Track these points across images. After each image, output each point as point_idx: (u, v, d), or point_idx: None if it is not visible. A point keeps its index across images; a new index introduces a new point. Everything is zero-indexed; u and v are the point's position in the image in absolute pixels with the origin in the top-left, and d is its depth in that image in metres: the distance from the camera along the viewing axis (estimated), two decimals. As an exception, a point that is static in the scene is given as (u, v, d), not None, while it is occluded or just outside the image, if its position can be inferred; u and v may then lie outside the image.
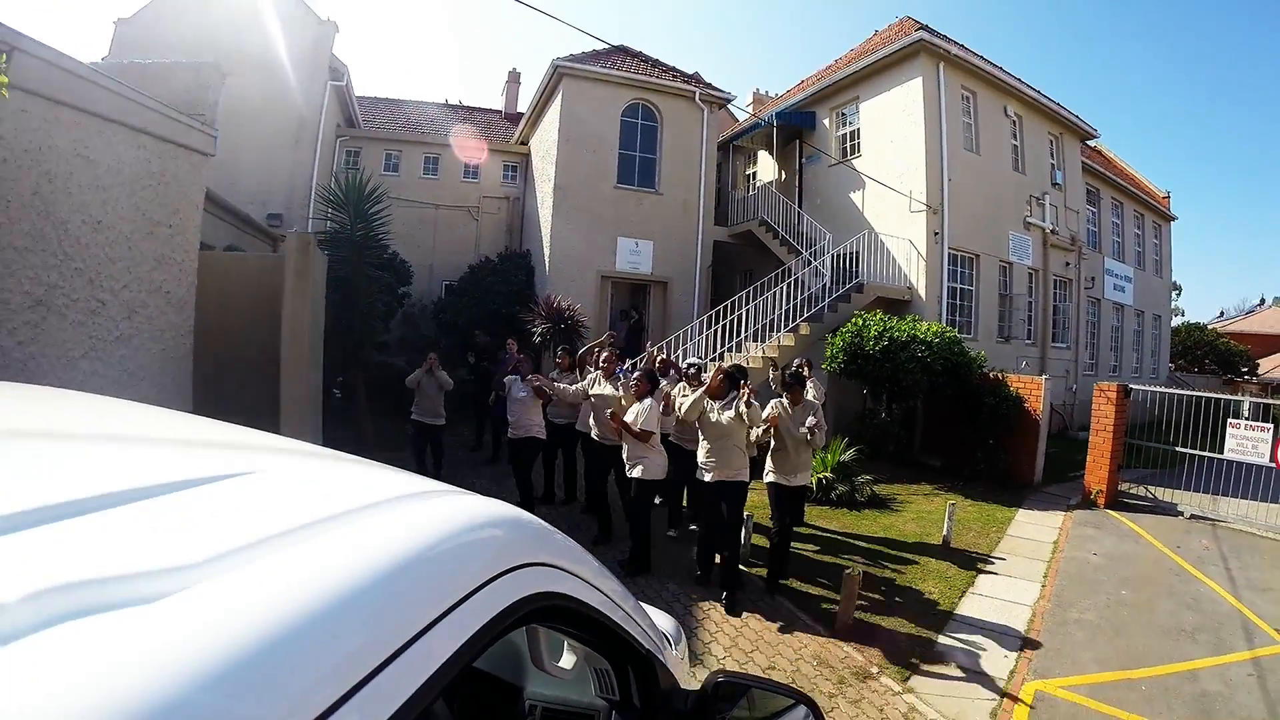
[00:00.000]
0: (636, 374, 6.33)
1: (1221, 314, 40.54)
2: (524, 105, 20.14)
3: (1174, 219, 23.09)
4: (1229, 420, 9.28)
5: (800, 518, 6.31)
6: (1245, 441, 8.99)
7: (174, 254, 4.65)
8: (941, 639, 5.22)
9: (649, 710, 1.28)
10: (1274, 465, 8.65)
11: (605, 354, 6.93)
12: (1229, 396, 10.28)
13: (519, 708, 1.57)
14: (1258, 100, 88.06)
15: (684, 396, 6.12)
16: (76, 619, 0.49)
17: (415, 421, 8.55)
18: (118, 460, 0.94)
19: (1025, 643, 5.25)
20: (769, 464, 5.88)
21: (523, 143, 18.72)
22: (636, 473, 5.90)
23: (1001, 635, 5.35)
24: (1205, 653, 5.27)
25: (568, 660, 1.56)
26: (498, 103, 23.58)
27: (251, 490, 0.87)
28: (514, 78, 23.22)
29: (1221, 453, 9.16)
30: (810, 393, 6.55)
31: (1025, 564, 7.07)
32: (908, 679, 4.61)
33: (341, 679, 0.54)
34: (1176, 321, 35.68)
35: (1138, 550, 7.77)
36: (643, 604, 1.54)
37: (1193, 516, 9.13)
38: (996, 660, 4.94)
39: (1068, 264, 15.74)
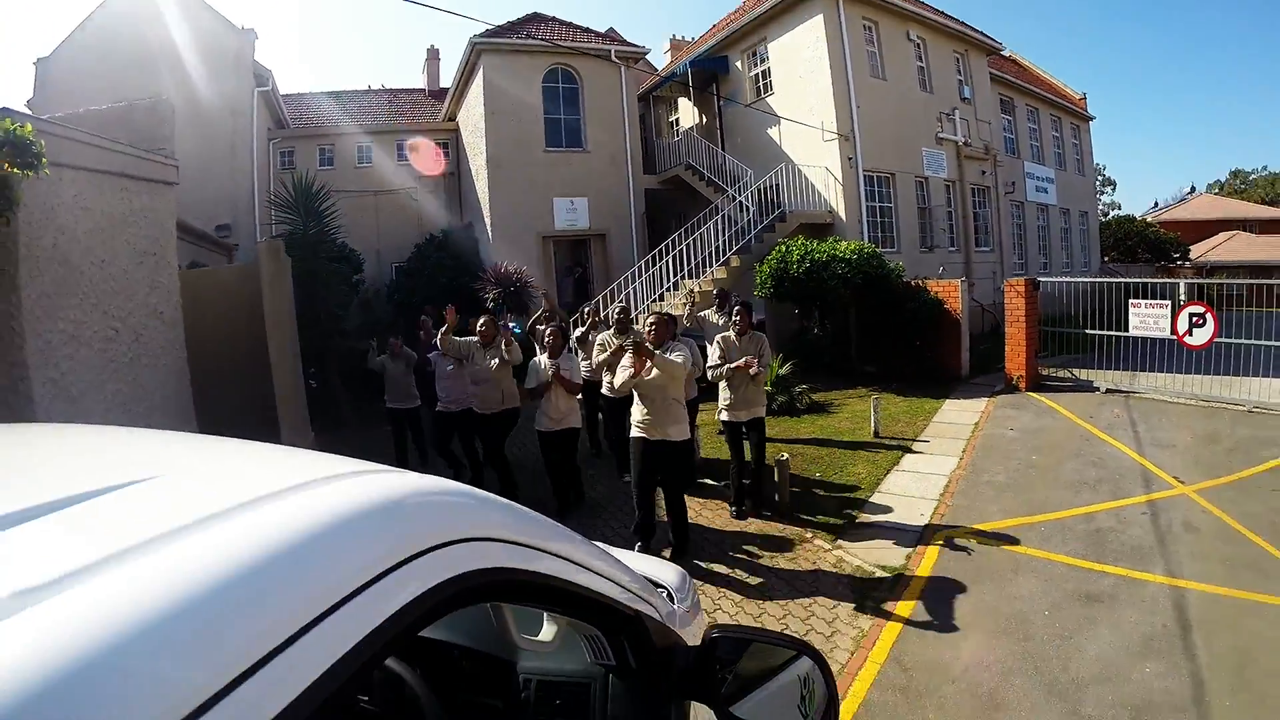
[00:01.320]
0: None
1: (1156, 205, 42.55)
2: (446, 81, 20.86)
3: (1092, 119, 24.54)
4: (1130, 300, 10.45)
5: (763, 452, 6.21)
6: (1147, 319, 10.10)
7: (161, 278, 5.45)
8: (866, 508, 6.30)
9: (647, 672, 1.26)
10: (1173, 337, 9.76)
11: (549, 330, 6.40)
12: (1133, 280, 11.51)
13: (513, 683, 1.54)
14: None
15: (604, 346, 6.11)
16: None
17: (390, 410, 8.41)
18: (17, 482, 0.95)
19: (940, 503, 6.30)
20: (721, 400, 6.05)
21: (450, 119, 19.43)
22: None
23: (920, 500, 6.40)
24: (1104, 499, 6.21)
25: (548, 632, 1.57)
26: (420, 81, 24.15)
27: (148, 495, 0.86)
28: (433, 55, 23.81)
29: (1128, 331, 10.27)
30: (715, 318, 7.53)
31: (947, 443, 8.16)
32: (836, 539, 5.64)
33: (197, 685, 0.52)
34: (1118, 214, 37.65)
35: (1052, 423, 8.90)
36: (639, 557, 1.55)
37: (1108, 391, 10.26)
38: (914, 519, 5.97)
39: (984, 172, 17.04)
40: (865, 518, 6.11)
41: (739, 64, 16.11)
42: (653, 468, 5.20)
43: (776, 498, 6.26)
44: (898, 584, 4.85)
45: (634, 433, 5.24)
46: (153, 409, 5.28)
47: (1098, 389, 10.38)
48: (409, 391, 8.32)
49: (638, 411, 5.23)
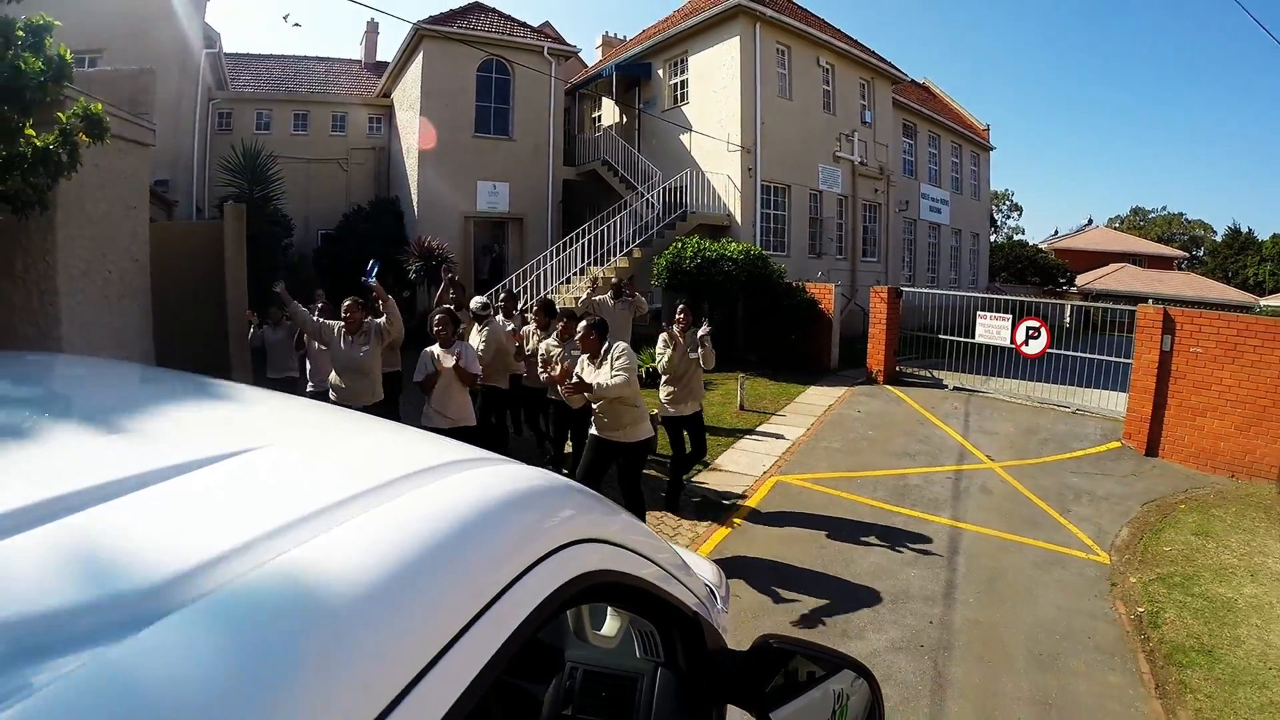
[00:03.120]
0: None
1: (1056, 232, 46.67)
2: (383, 54, 22.09)
3: (992, 149, 27.37)
4: (978, 312, 12.59)
5: (702, 445, 6.49)
6: (991, 328, 12.18)
7: (138, 229, 6.51)
8: (723, 458, 8.05)
9: (695, 672, 1.29)
10: (1012, 346, 11.82)
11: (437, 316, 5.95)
12: (988, 295, 13.73)
13: (560, 670, 1.54)
14: (1084, 41, 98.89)
15: (476, 335, 6.68)
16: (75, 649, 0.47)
17: (271, 381, 8.04)
18: (114, 441, 0.95)
19: (781, 459, 8.05)
20: (662, 396, 6.31)
21: (385, 95, 20.67)
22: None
23: (765, 456, 8.16)
24: (919, 466, 7.97)
25: (611, 627, 1.60)
26: (357, 52, 25.12)
27: (257, 470, 0.85)
28: (372, 28, 24.86)
29: (974, 338, 12.30)
30: (610, 304, 8.35)
31: (800, 418, 10.01)
32: (689, 480, 7.30)
33: (360, 711, 0.50)
34: (1018, 238, 41.28)
35: (896, 409, 10.87)
36: (687, 554, 1.58)
37: (955, 388, 12.30)
38: (757, 469, 7.68)
39: (876, 190, 19.34)
40: (719, 464, 7.85)
41: (661, 72, 17.91)
42: (604, 462, 5.30)
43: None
44: (733, 508, 6.58)
45: (592, 430, 5.32)
46: (129, 347, 6.53)
47: (946, 386, 12.37)
48: (288, 361, 8.10)
49: (595, 414, 5.25)
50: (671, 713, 1.35)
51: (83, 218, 5.33)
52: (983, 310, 12.52)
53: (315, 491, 0.77)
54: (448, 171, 16.86)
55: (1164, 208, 58.85)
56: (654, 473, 7.14)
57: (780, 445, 8.70)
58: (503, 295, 7.07)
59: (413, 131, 17.38)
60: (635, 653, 1.48)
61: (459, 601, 0.64)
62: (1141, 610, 5.03)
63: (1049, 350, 11.49)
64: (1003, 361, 12.04)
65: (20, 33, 3.59)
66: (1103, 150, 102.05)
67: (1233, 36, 76.84)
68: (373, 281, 6.07)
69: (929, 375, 12.98)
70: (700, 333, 6.08)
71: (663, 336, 6.32)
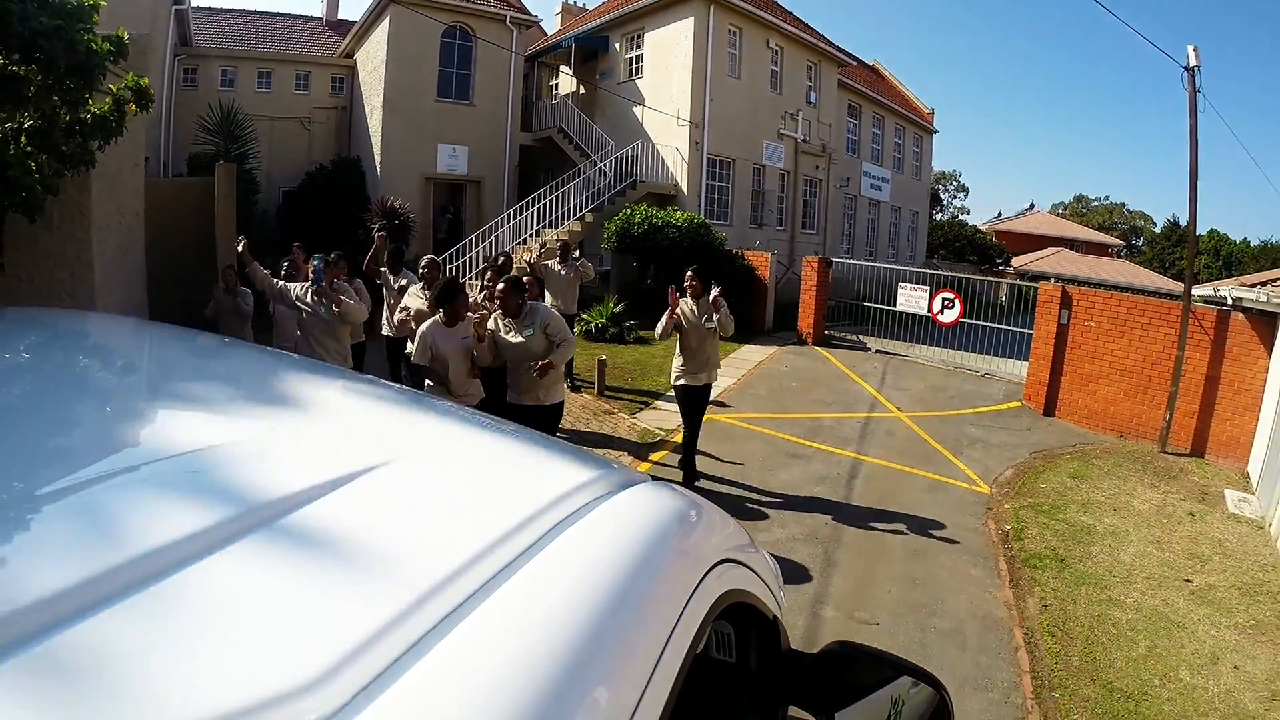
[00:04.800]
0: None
1: (999, 215, 48.92)
2: (345, 13, 22.77)
3: (935, 132, 28.98)
4: (900, 283, 14.07)
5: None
6: (911, 297, 13.57)
7: (139, 185, 7.40)
8: (659, 400, 9.26)
9: (767, 674, 1.28)
10: (929, 315, 13.17)
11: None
12: (914, 269, 15.17)
13: None
14: (1033, 32, 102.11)
15: (416, 298, 6.26)
16: None
17: None
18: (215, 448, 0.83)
19: (713, 402, 8.31)
20: (675, 365, 6.21)
21: (348, 55, 21.36)
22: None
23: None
24: (834, 412, 9.37)
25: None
26: (318, 9, 25.53)
27: (394, 491, 0.79)
28: (334, -14, 25.29)
29: (896, 306, 13.72)
30: (557, 268, 8.83)
31: (732, 370, 11.18)
32: (635, 414, 8.70)
33: None
34: (962, 218, 43.34)
35: (820, 366, 12.28)
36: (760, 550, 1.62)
37: (877, 351, 13.71)
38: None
39: (818, 166, 20.78)
40: (656, 405, 9.14)
41: (618, 45, 18.97)
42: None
43: (596, 382, 9.25)
44: (669, 437, 7.84)
45: (510, 397, 5.23)
46: (134, 293, 7.24)
47: (869, 349, 13.77)
48: (240, 332, 7.44)
49: (513, 378, 5.19)
50: (738, 713, 1.32)
51: (106, 174, 6.15)
52: (903, 282, 13.90)
53: (477, 520, 0.74)
54: (410, 134, 17.80)
55: (1107, 197, 61.64)
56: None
57: (714, 391, 10.06)
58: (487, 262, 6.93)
59: (376, 93, 18.20)
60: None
61: (654, 634, 0.63)
62: (1009, 527, 6.33)
63: (965, 320, 12.79)
64: (925, 330, 13.43)
65: (96, 17, 4.57)
66: (1051, 139, 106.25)
67: (1181, 35, 79.96)
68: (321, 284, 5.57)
69: (855, 339, 14.29)
70: (713, 294, 5.82)
71: (684, 304, 6.00)
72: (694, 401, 6.22)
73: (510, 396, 5.22)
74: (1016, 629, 4.78)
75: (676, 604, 0.70)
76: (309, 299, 5.53)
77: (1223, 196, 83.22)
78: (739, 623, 1.27)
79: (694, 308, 5.97)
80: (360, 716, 0.45)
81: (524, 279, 5.48)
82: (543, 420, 5.10)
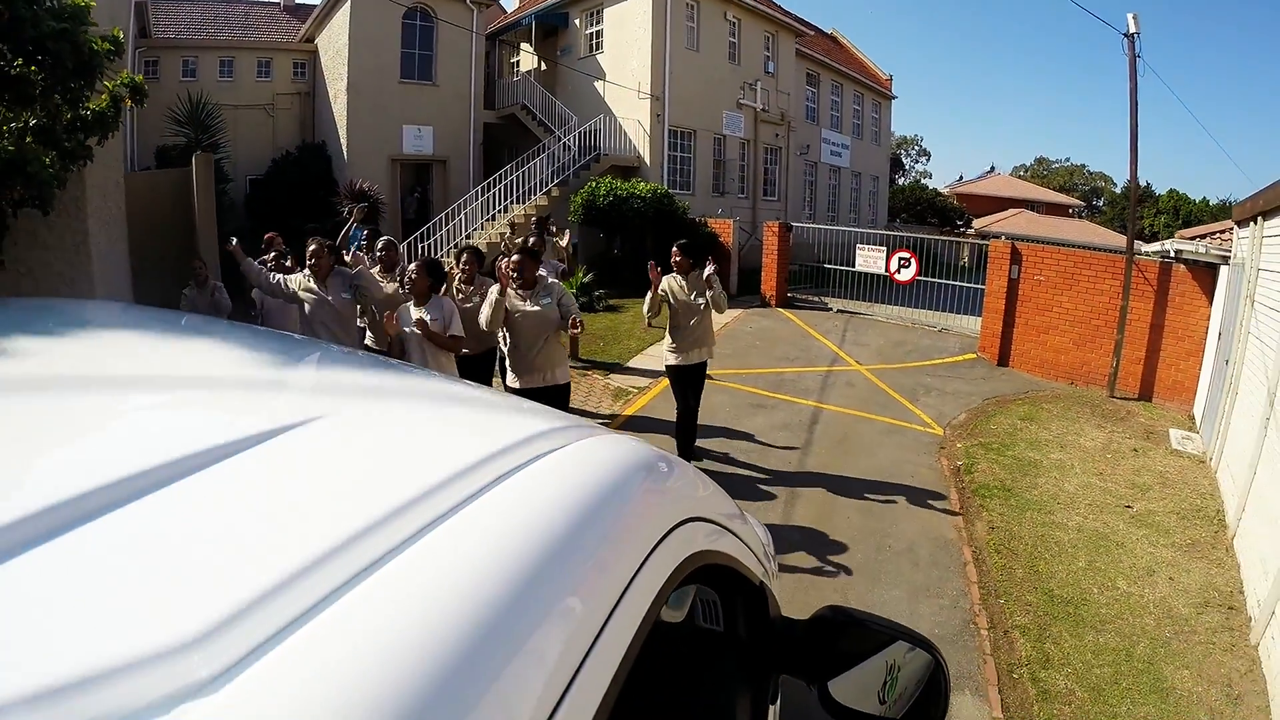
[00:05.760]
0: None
1: (961, 178, 49.83)
2: (304, -2, 22.69)
3: (894, 98, 29.50)
4: (858, 244, 14.60)
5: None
6: (869, 258, 14.12)
7: (118, 177, 7.65)
8: (632, 361, 9.75)
9: (755, 642, 1.27)
10: (886, 274, 13.74)
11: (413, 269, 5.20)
12: (873, 231, 15.75)
13: None
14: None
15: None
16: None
17: None
18: (148, 403, 0.84)
19: None
20: (666, 344, 5.93)
21: (309, 40, 21.34)
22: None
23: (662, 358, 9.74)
24: (796, 367, 9.82)
25: (677, 598, 1.52)
26: None
27: (327, 444, 0.76)
28: (292, -30, 25.19)
29: (854, 266, 14.25)
30: (562, 241, 8.82)
31: None
32: (608, 374, 9.12)
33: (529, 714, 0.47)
34: (930, 183, 44.14)
35: (783, 326, 12.77)
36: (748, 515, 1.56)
37: (839, 311, 14.24)
38: (661, 365, 9.05)
39: (777, 135, 21.23)
40: (630, 365, 9.60)
41: (578, 21, 19.21)
42: None
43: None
44: (640, 394, 8.35)
45: (511, 382, 5.09)
46: (122, 281, 7.51)
47: (830, 309, 14.28)
48: None
49: (521, 357, 5.01)
50: (727, 682, 1.30)
51: (97, 169, 6.37)
52: (861, 244, 14.40)
53: (404, 474, 0.70)
54: (375, 116, 18.01)
55: (1068, 159, 62.71)
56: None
57: (666, 340, 10.55)
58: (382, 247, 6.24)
59: (340, 77, 18.35)
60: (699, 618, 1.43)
61: (603, 589, 0.61)
62: (960, 463, 6.83)
63: (923, 279, 13.21)
64: (885, 290, 13.92)
65: (93, 19, 4.86)
66: (1012, 102, 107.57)
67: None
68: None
69: (817, 300, 14.82)
70: (706, 272, 5.53)
71: (666, 279, 5.74)
72: (686, 381, 5.91)
73: (512, 381, 5.05)
74: (965, 548, 5.23)
75: (629, 561, 0.66)
76: (314, 286, 5.29)
77: (1184, 157, 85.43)
78: (724, 590, 1.25)
79: (683, 284, 5.67)
80: (243, 676, 0.42)
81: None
82: (552, 400, 4.85)
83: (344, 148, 18.24)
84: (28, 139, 4.61)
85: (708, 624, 1.40)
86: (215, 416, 0.83)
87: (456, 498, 0.63)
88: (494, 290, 4.74)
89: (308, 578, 0.50)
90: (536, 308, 4.81)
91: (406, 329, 4.77)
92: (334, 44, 19.13)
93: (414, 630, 0.47)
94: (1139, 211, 51.36)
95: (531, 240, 7.53)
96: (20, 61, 4.43)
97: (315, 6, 20.79)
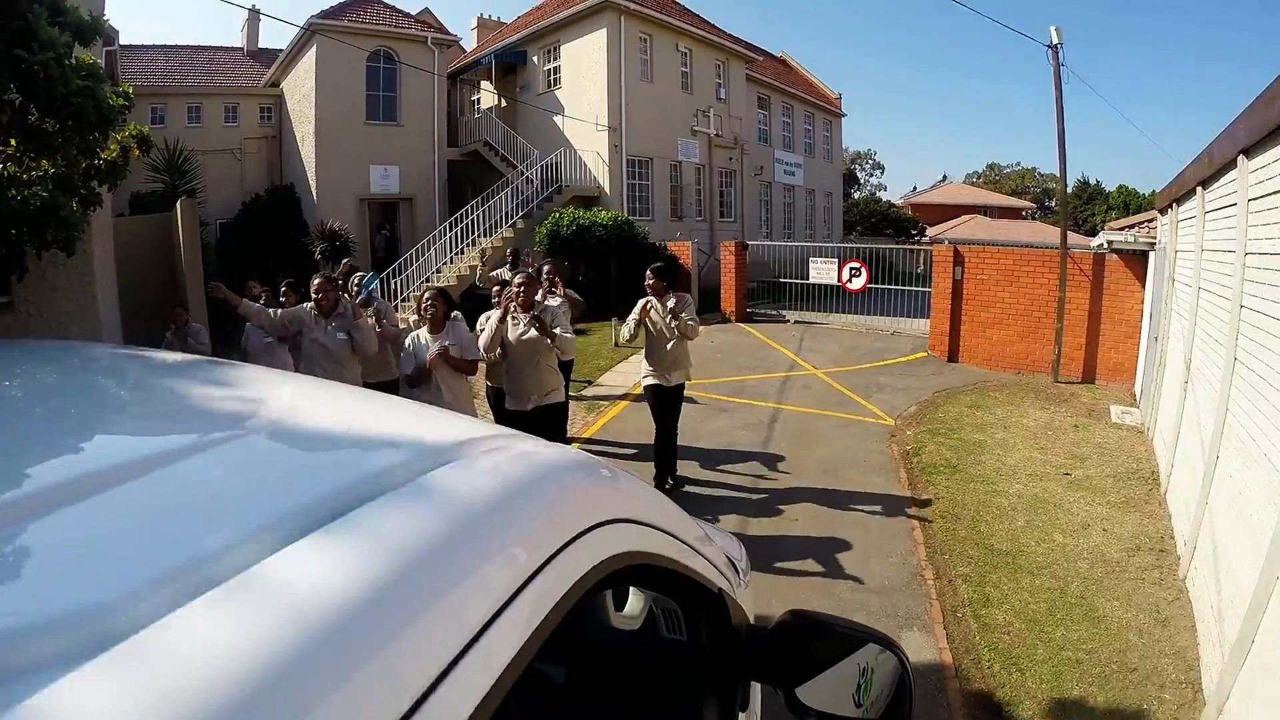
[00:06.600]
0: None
1: (915, 189, 51.29)
2: (265, 41, 23.46)
3: (844, 115, 30.62)
4: (811, 258, 15.40)
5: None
6: (822, 270, 14.93)
7: (108, 222, 7.65)
8: (602, 378, 10.24)
9: (719, 650, 1.27)
10: (839, 284, 14.57)
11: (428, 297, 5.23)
12: (826, 245, 16.53)
13: (578, 652, 1.53)
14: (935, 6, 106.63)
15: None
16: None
17: None
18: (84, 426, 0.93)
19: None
20: (643, 366, 6.00)
21: (274, 85, 21.92)
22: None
23: (635, 373, 8.76)
24: (756, 374, 10.35)
25: (634, 605, 1.58)
26: (238, 39, 25.59)
27: (244, 458, 0.81)
28: (254, 15, 25.62)
29: (808, 278, 15.05)
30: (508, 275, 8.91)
31: None
32: (582, 390, 9.53)
33: (391, 702, 0.47)
34: (885, 196, 45.45)
35: (744, 339, 13.40)
36: (709, 527, 1.55)
37: (796, 321, 15.02)
38: (630, 380, 9.49)
39: (731, 158, 22.11)
40: (602, 382, 10.09)
41: (536, 58, 19.98)
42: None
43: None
44: (612, 405, 8.80)
45: (509, 404, 5.24)
46: (113, 323, 7.55)
47: (788, 320, 15.09)
48: None
49: (507, 382, 5.21)
50: (694, 693, 1.30)
51: (100, 213, 6.59)
52: (814, 257, 15.24)
53: (322, 476, 0.75)
54: (343, 157, 18.62)
55: (1018, 163, 64.41)
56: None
57: (645, 366, 11.11)
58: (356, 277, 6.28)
59: (307, 120, 18.92)
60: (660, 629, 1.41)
61: (490, 586, 0.61)
62: (909, 447, 7.31)
63: (877, 286, 14.11)
64: (841, 300, 14.75)
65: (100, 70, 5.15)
66: (962, 111, 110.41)
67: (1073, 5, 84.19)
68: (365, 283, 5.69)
69: (775, 313, 15.59)
70: (671, 303, 5.69)
71: (641, 302, 5.77)
72: (662, 402, 5.96)
73: (510, 403, 5.21)
74: (913, 517, 5.64)
75: (524, 562, 0.67)
76: (315, 322, 5.24)
77: (1134, 154, 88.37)
78: (683, 599, 1.25)
79: (658, 308, 5.74)
80: (58, 676, 0.42)
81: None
82: (548, 421, 5.17)
83: (313, 189, 18.79)
84: (49, 187, 5.02)
85: (671, 634, 1.41)
86: (121, 441, 0.92)
87: (339, 507, 0.64)
88: (495, 316, 5.01)
89: (156, 590, 0.51)
90: (531, 334, 4.96)
91: (423, 355, 4.73)
92: (300, 88, 19.68)
93: (240, 639, 0.47)
94: (1089, 209, 53.26)
95: (508, 272, 7.72)
96: (38, 115, 4.80)
97: (279, 52, 21.38)
